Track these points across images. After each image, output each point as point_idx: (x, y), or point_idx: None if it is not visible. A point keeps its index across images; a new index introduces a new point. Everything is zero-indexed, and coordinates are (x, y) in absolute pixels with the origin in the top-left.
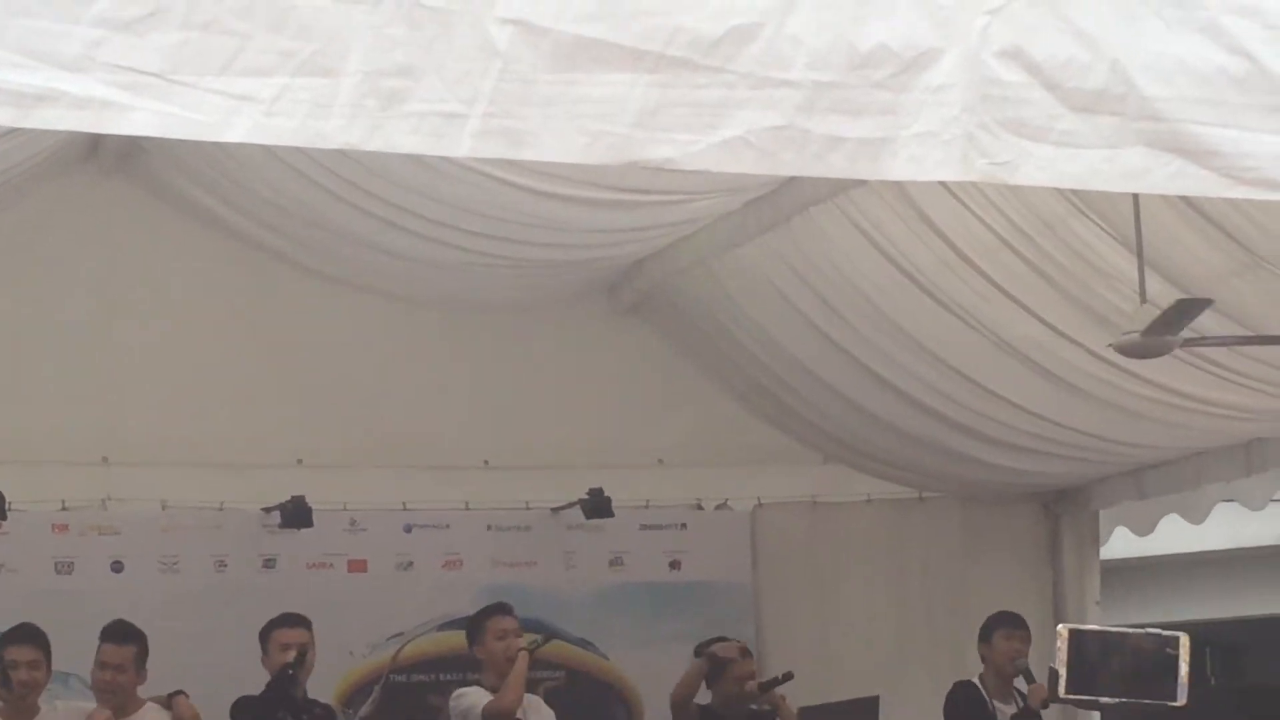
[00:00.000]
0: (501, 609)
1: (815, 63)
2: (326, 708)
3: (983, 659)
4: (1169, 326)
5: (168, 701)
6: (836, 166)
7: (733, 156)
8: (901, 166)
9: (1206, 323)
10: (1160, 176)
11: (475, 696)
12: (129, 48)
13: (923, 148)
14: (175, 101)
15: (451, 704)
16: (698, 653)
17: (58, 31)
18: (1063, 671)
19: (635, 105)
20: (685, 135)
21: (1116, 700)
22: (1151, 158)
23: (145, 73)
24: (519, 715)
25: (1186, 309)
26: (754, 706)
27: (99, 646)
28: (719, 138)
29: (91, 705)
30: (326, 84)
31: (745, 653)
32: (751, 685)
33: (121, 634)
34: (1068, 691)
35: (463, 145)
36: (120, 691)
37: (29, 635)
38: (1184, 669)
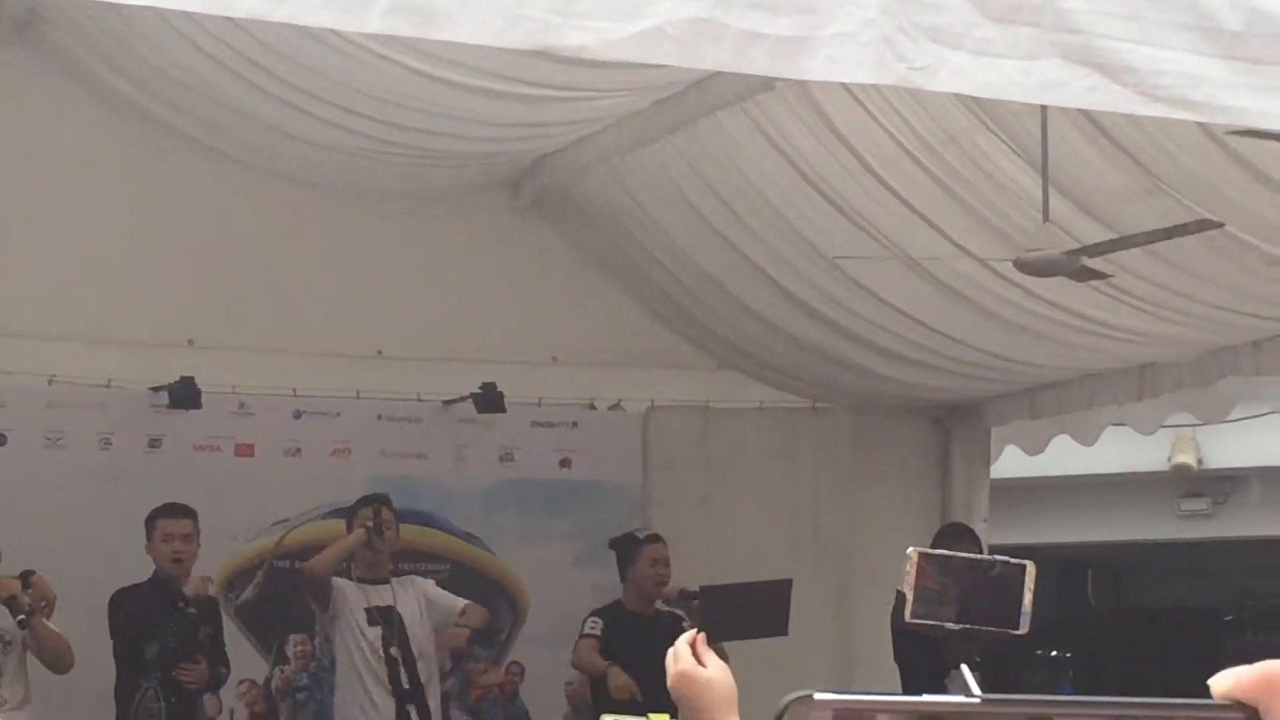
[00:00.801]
0: (370, 501)
1: None
2: (209, 600)
3: None
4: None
5: (23, 581)
6: (756, 63)
7: (651, 46)
8: (819, 66)
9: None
10: (1075, 90)
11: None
12: None
13: (841, 48)
14: None
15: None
16: (611, 545)
17: None
18: (910, 595)
19: None
20: (604, 22)
21: (960, 626)
22: (1067, 71)
23: None
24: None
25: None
26: (661, 607)
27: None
28: (637, 27)
29: None
30: None
31: (659, 539)
32: (671, 591)
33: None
34: (913, 616)
35: (372, 22)
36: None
37: None
38: (1028, 598)
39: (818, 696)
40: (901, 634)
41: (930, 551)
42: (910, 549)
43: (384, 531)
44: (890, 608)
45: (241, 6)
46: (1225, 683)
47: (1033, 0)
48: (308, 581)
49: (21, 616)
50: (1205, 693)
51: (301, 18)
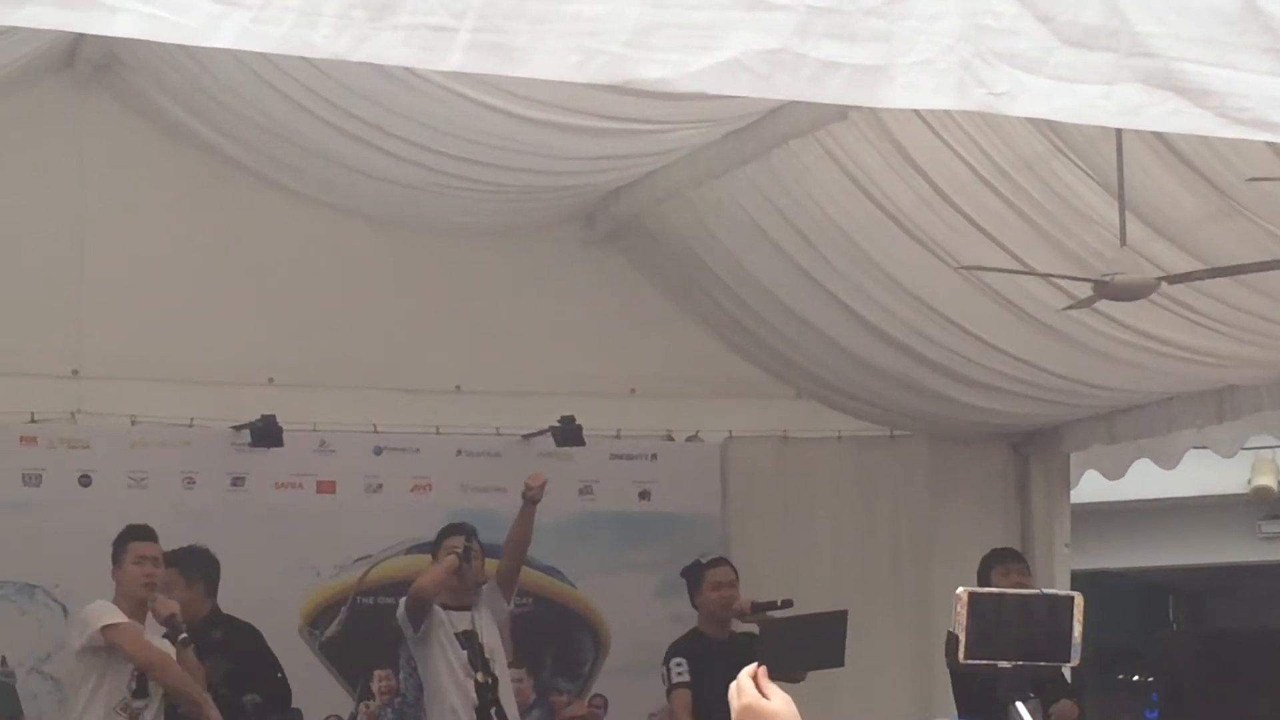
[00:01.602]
0: (459, 529)
1: None
2: (237, 626)
3: None
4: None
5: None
6: (833, 92)
7: (728, 78)
8: (898, 94)
9: (1182, 266)
10: (1156, 114)
11: None
12: None
13: (919, 76)
14: (162, 5)
15: None
16: (682, 575)
17: None
18: (961, 636)
19: (629, 24)
20: (679, 56)
21: (1013, 664)
22: (1146, 94)
23: None
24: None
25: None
26: (735, 630)
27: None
28: (713, 60)
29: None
30: None
31: (724, 562)
32: (742, 604)
33: (148, 532)
34: (967, 657)
35: (452, 59)
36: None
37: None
38: (1077, 630)
39: None
40: (955, 674)
41: (980, 591)
42: (960, 589)
43: (472, 559)
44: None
45: (324, 49)
46: None
47: (1109, 25)
48: (413, 598)
49: (184, 635)
50: None
51: (382, 56)
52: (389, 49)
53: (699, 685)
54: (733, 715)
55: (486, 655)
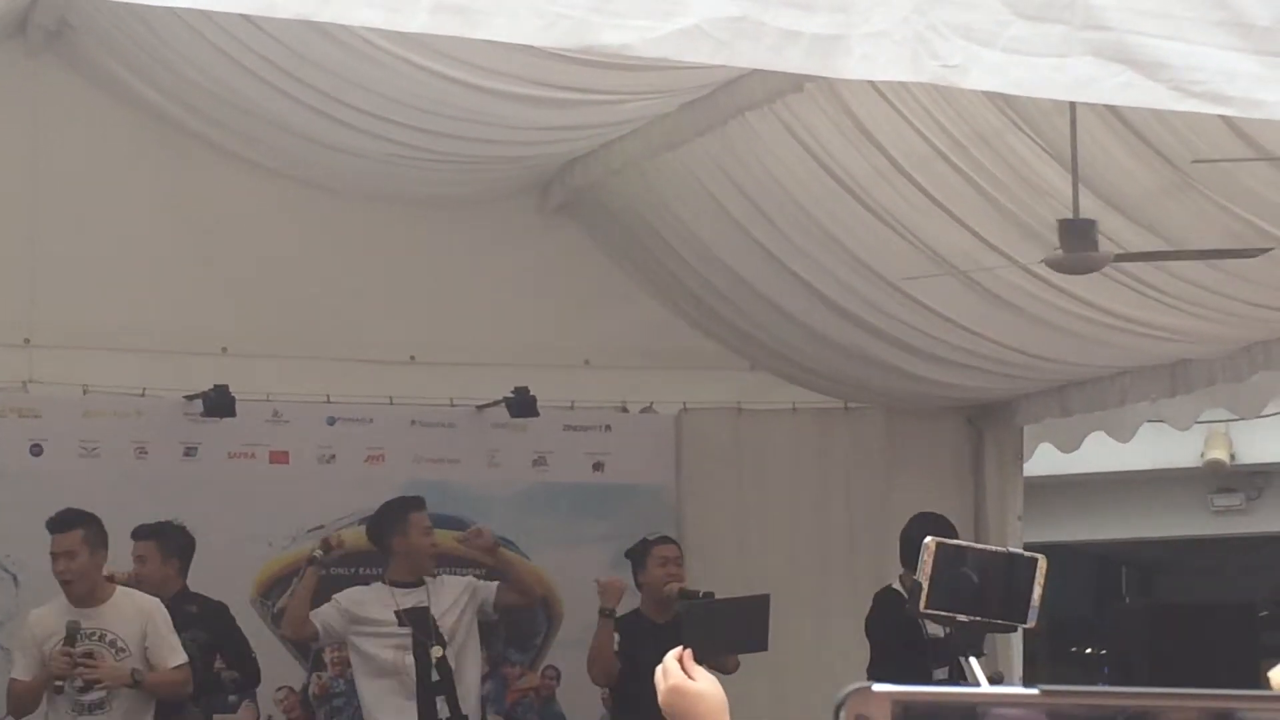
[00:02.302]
0: (421, 503)
1: None
2: (209, 602)
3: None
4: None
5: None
6: (792, 61)
7: (690, 45)
8: (855, 65)
9: (1136, 241)
10: (1109, 86)
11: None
12: None
13: (875, 47)
14: None
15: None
16: (627, 554)
17: None
18: (925, 585)
19: None
20: (642, 21)
21: (970, 619)
22: (1100, 67)
23: None
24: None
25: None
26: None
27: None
28: (675, 26)
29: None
30: None
31: (669, 540)
32: (673, 587)
33: (65, 522)
34: (926, 606)
35: (417, 20)
36: (77, 582)
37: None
38: (1037, 592)
39: (876, 689)
40: (887, 632)
41: (948, 542)
42: (928, 538)
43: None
44: (867, 612)
45: (288, 7)
46: None
47: None
48: (292, 642)
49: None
50: (1239, 686)
51: (347, 17)
52: (353, 9)
53: (631, 663)
54: (659, 697)
55: (443, 627)
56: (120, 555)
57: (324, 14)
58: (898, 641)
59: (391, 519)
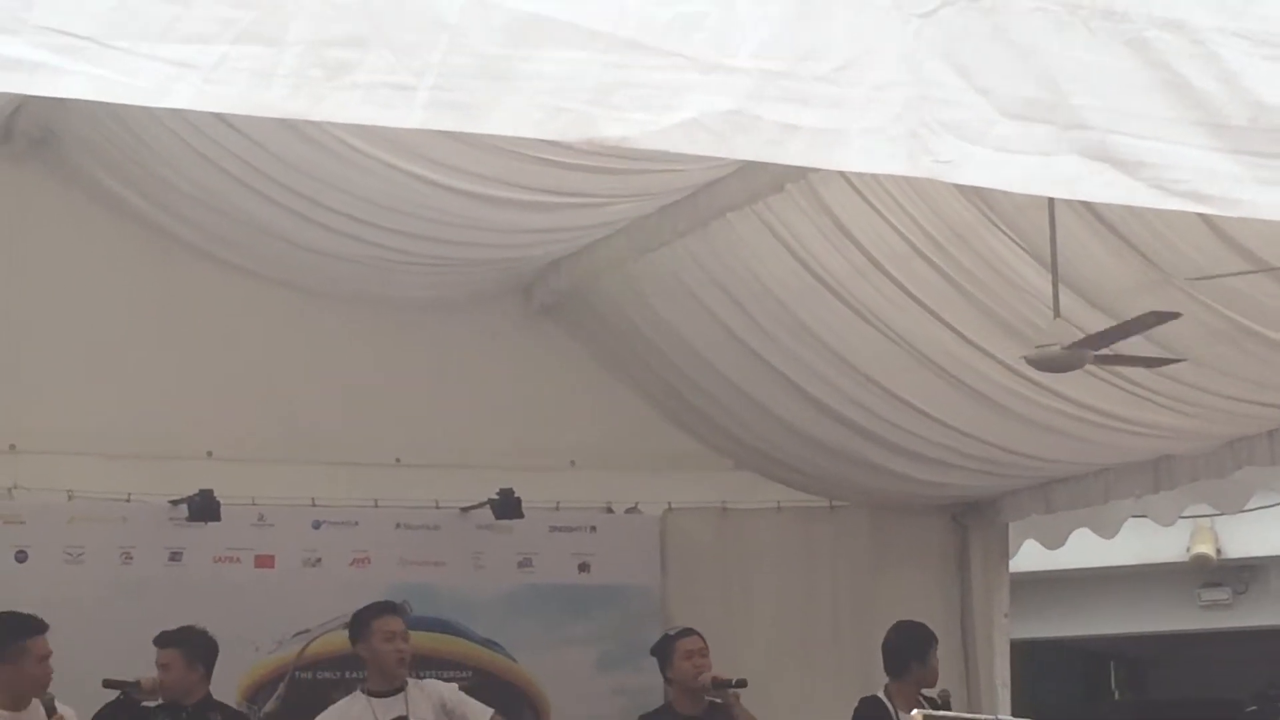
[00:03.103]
0: (389, 608)
1: (761, 52)
2: (233, 713)
3: (904, 677)
4: (1123, 335)
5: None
6: (793, 154)
7: (688, 138)
8: (855, 158)
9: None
10: (1093, 185)
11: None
12: (61, 10)
13: (872, 141)
14: (111, 66)
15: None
16: (652, 652)
17: None
18: None
19: (591, 83)
20: (642, 114)
21: None
22: (1084, 166)
23: (80, 36)
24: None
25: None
26: (712, 697)
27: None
28: (674, 119)
29: None
30: (269, 52)
31: (692, 632)
32: (705, 677)
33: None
34: None
35: (413, 116)
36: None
37: None
38: None
39: None
40: None
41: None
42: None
43: (404, 641)
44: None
45: (281, 109)
46: None
47: (1045, 97)
48: None
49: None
50: None
51: (342, 115)
52: (348, 107)
53: None
54: None
55: None
56: (117, 663)
57: (318, 113)
58: None
59: (357, 627)
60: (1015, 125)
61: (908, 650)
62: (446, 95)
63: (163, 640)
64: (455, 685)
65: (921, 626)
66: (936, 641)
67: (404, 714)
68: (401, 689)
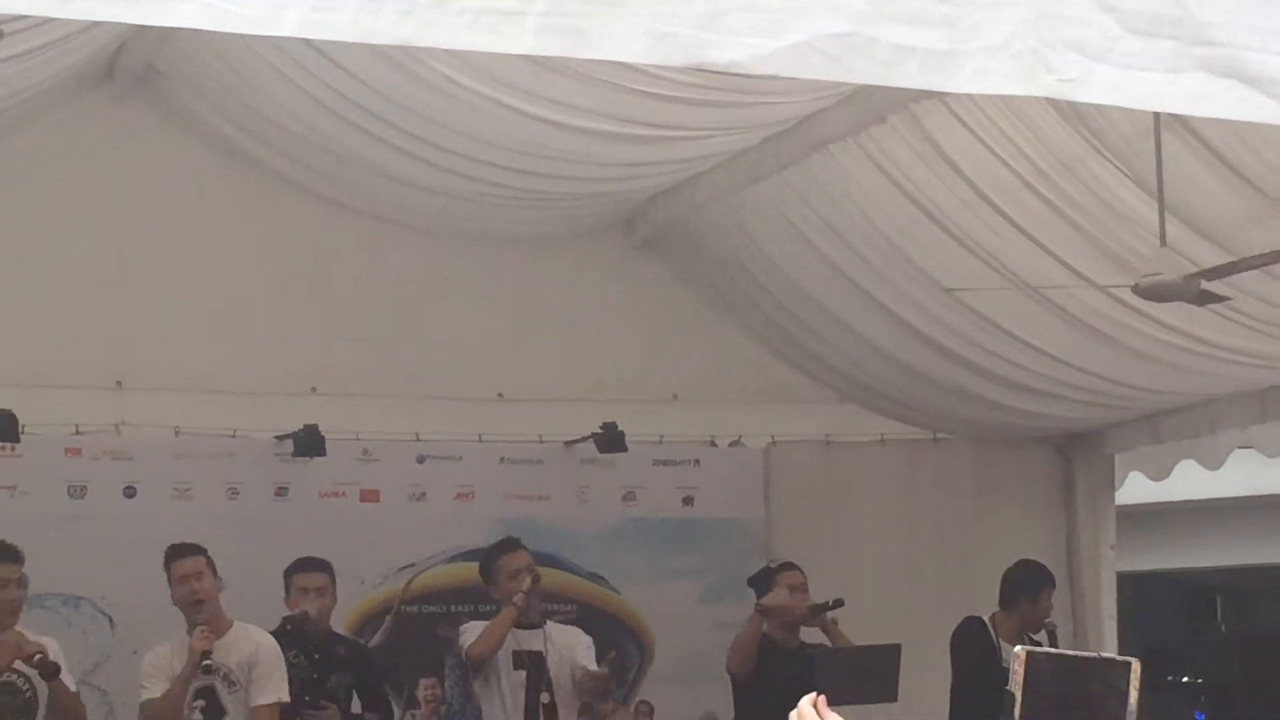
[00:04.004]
0: (510, 545)
1: None
2: (354, 644)
3: (1013, 610)
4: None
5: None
6: (907, 76)
7: (802, 62)
8: (969, 79)
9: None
10: (1224, 102)
11: (470, 635)
12: None
13: (990, 60)
14: None
15: (460, 638)
16: (750, 583)
17: None
18: (1018, 695)
19: (699, 7)
20: (751, 39)
21: None
22: (1213, 83)
23: None
24: (541, 645)
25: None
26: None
27: (168, 567)
28: (785, 42)
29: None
30: None
31: (793, 566)
32: (802, 607)
33: (185, 549)
34: (1023, 716)
35: (523, 42)
36: (210, 603)
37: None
38: (1134, 696)
39: None
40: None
41: (1038, 650)
42: (1018, 648)
43: (536, 586)
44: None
45: (388, 35)
46: None
47: (1171, 12)
48: (473, 666)
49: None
50: None
51: (450, 41)
52: (456, 33)
53: (762, 687)
54: None
55: (552, 675)
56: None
57: (426, 39)
58: (979, 672)
59: (484, 567)
60: (1140, 41)
61: (1023, 585)
62: (554, 20)
63: (310, 565)
64: (588, 643)
65: (1042, 568)
66: (1053, 585)
67: (541, 649)
68: (540, 625)
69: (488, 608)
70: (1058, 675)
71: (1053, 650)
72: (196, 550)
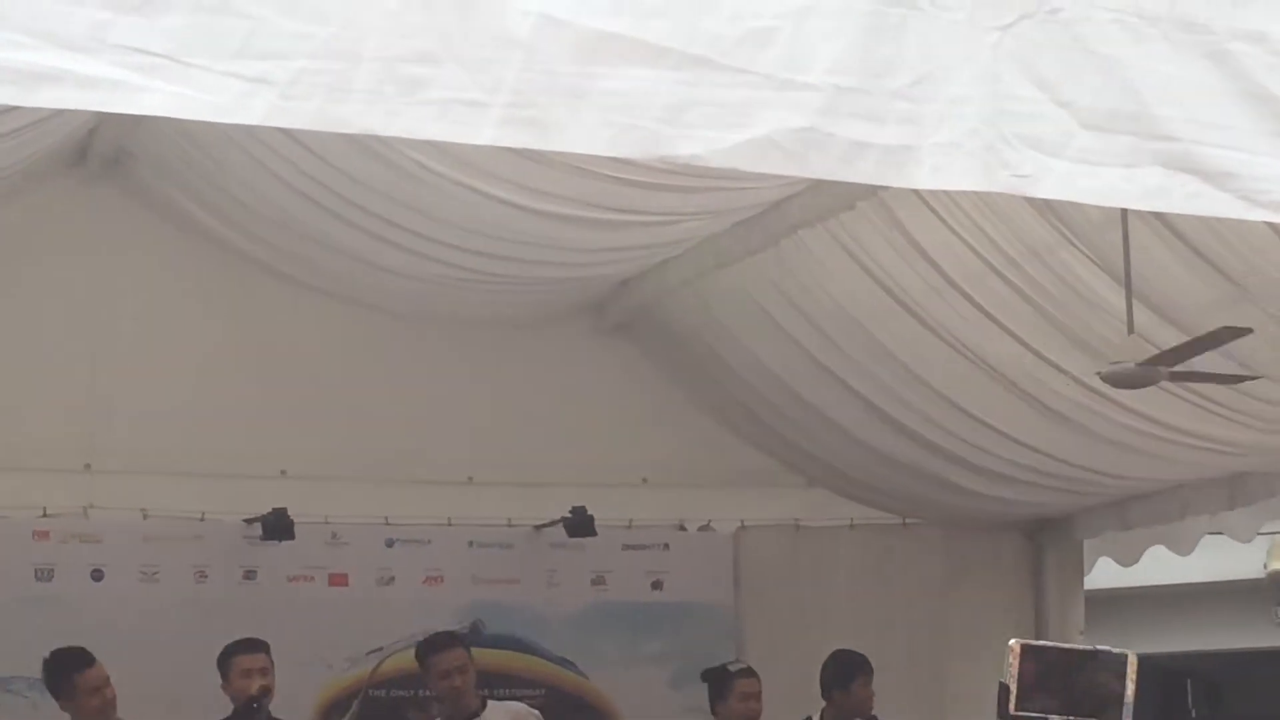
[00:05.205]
0: (444, 642)
1: (834, 68)
2: None
3: (830, 702)
4: (1197, 351)
5: None
6: (863, 172)
7: (760, 156)
8: (927, 175)
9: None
10: (1179, 197)
11: None
12: (138, 30)
13: (946, 157)
14: (189, 83)
15: None
16: (703, 677)
17: (64, 13)
18: (1013, 687)
19: (661, 101)
20: (712, 132)
21: (1064, 718)
22: (1168, 178)
23: (156, 54)
24: None
25: (1221, 337)
26: None
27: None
28: (745, 136)
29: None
30: (344, 68)
31: (751, 673)
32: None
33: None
34: (1018, 708)
35: (485, 133)
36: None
37: None
38: (1130, 689)
39: None
40: None
41: (1032, 643)
42: (1012, 640)
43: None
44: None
45: (355, 124)
46: None
47: (1127, 108)
48: None
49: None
50: None
51: (415, 131)
52: (422, 123)
53: None
54: None
55: None
56: (191, 682)
57: (392, 129)
58: None
59: (419, 661)
60: (1096, 137)
61: (833, 676)
62: (519, 112)
63: (254, 645)
64: (538, 714)
65: (854, 656)
66: (868, 673)
67: None
68: (478, 713)
69: None
70: (1052, 667)
71: (1046, 643)
72: (456, 642)
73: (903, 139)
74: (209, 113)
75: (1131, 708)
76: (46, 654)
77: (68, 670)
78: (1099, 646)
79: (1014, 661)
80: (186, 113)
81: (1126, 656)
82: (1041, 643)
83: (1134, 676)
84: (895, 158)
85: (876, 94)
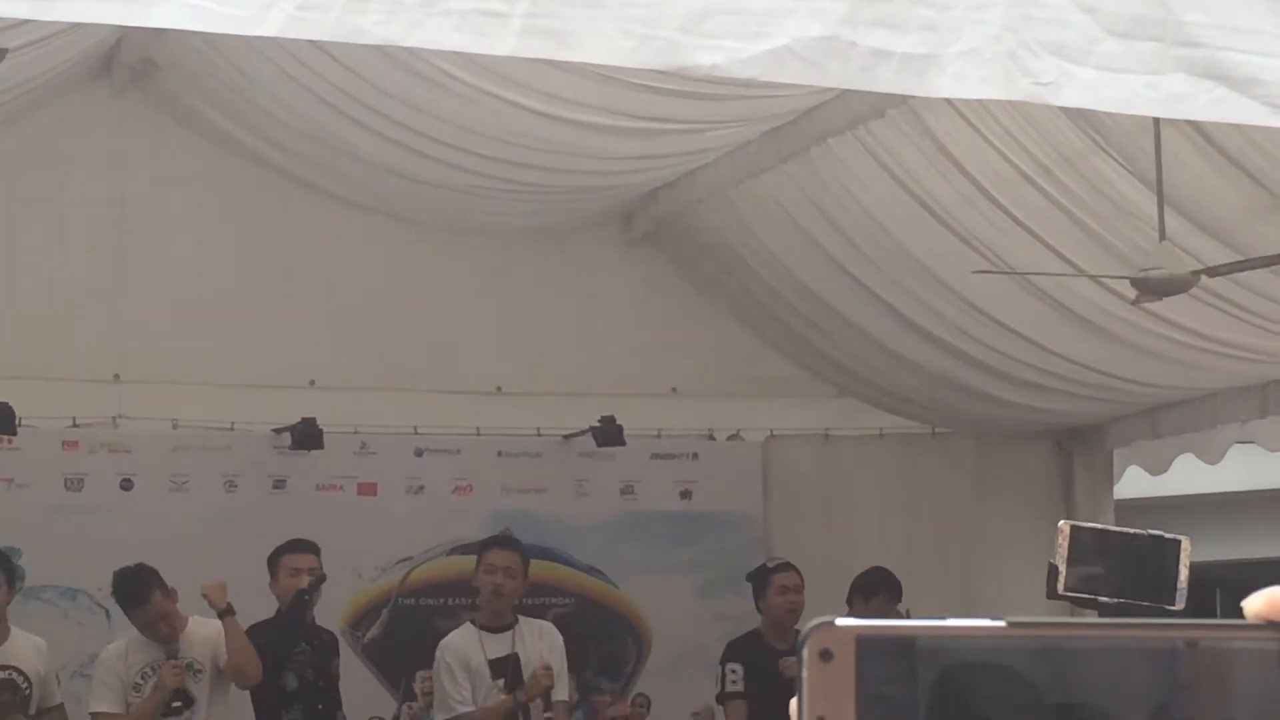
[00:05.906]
0: (496, 541)
1: None
2: (331, 635)
3: (852, 611)
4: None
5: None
6: (883, 80)
7: (779, 65)
8: (947, 83)
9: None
10: (1202, 103)
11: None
12: None
13: (967, 65)
14: None
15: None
16: (747, 578)
17: None
18: (1062, 568)
19: (681, 11)
20: (732, 42)
21: (1114, 600)
22: (1192, 84)
23: None
24: (511, 647)
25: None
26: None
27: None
28: (765, 46)
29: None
30: None
31: (790, 567)
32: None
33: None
34: (1066, 589)
35: (505, 43)
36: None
37: None
38: (1184, 573)
39: (839, 622)
40: None
41: (1082, 524)
42: (1062, 522)
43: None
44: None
45: (374, 35)
46: (1259, 603)
47: (1153, 14)
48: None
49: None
50: None
51: (434, 41)
52: (441, 34)
53: (754, 693)
54: None
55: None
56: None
57: (412, 39)
58: None
59: (478, 556)
60: (1120, 43)
61: (857, 587)
62: (538, 22)
63: (302, 546)
64: (562, 648)
65: (881, 575)
66: (888, 595)
67: (510, 650)
68: (510, 626)
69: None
70: (1103, 548)
71: (1097, 525)
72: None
73: (924, 47)
74: (226, 25)
75: (1185, 593)
76: (127, 565)
77: (149, 587)
78: (1153, 531)
79: (1064, 542)
80: (203, 25)
81: (1180, 541)
82: (1092, 525)
83: (1187, 562)
84: (916, 66)
85: (898, 1)
